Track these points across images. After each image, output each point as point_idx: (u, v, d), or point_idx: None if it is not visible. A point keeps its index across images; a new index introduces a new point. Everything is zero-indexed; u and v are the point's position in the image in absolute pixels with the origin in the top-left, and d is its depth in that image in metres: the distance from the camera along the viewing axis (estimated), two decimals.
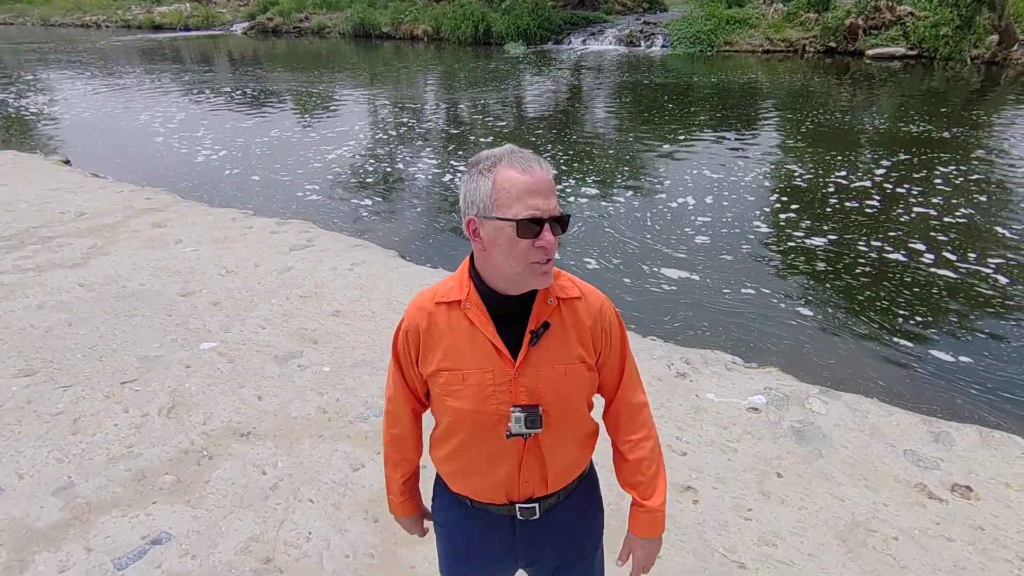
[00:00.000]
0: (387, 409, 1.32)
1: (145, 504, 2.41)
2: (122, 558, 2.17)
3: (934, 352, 3.75)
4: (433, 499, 1.37)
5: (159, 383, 3.18)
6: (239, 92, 13.75)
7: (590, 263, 5.03)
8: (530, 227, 1.02)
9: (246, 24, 29.29)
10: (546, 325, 1.12)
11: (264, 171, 7.82)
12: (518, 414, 1.11)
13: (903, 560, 2.18)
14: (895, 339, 3.90)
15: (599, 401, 1.31)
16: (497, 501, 1.22)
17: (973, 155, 7.62)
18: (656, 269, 4.88)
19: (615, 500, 2.36)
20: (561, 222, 1.06)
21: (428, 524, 1.47)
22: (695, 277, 4.74)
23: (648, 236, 5.53)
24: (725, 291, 4.53)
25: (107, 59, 20.41)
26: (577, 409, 1.19)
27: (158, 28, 32.29)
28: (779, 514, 2.37)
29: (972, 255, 4.95)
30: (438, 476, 1.33)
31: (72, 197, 6.36)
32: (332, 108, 11.95)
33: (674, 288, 4.59)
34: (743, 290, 4.54)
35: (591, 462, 1.35)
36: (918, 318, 4.14)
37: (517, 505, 1.22)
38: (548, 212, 1.03)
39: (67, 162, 8.16)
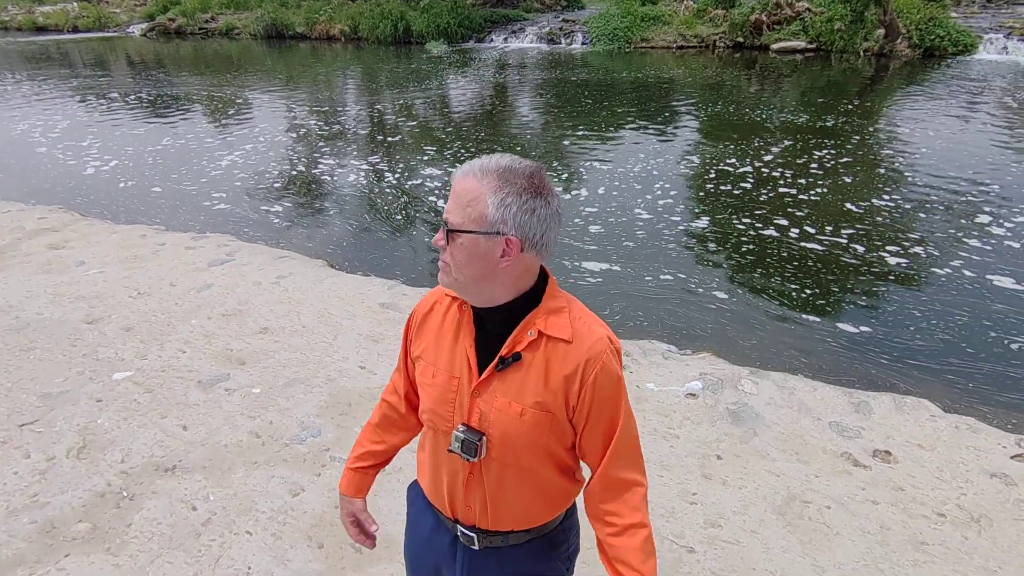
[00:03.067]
0: (392, 381, 1.33)
1: (56, 558, 2.18)
2: None
3: (844, 326, 4.02)
4: (410, 486, 1.36)
5: (65, 422, 2.89)
6: (133, 97, 12.82)
7: None
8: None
9: (145, 25, 27.36)
10: (517, 356, 1.04)
11: (164, 181, 7.31)
12: (458, 433, 1.07)
13: (836, 527, 2.31)
14: (808, 316, 4.15)
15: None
16: (443, 511, 1.19)
17: (872, 139, 8.28)
18: (577, 263, 4.96)
19: None
20: (448, 228, 1.01)
21: (369, 539, 1.34)
22: (616, 268, 4.87)
23: (564, 232, 5.61)
24: (647, 278, 4.69)
25: None
26: (524, 459, 1.08)
27: (41, 30, 29.60)
28: (722, 495, 2.45)
29: (879, 237, 5.36)
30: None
31: None
32: (242, 112, 11.35)
33: (600, 280, 4.69)
34: (662, 276, 4.72)
35: (564, 522, 1.21)
36: (825, 295, 4.43)
37: (459, 527, 1.17)
38: (445, 214, 1.04)
39: None
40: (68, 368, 3.33)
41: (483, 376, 1.06)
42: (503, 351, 1.05)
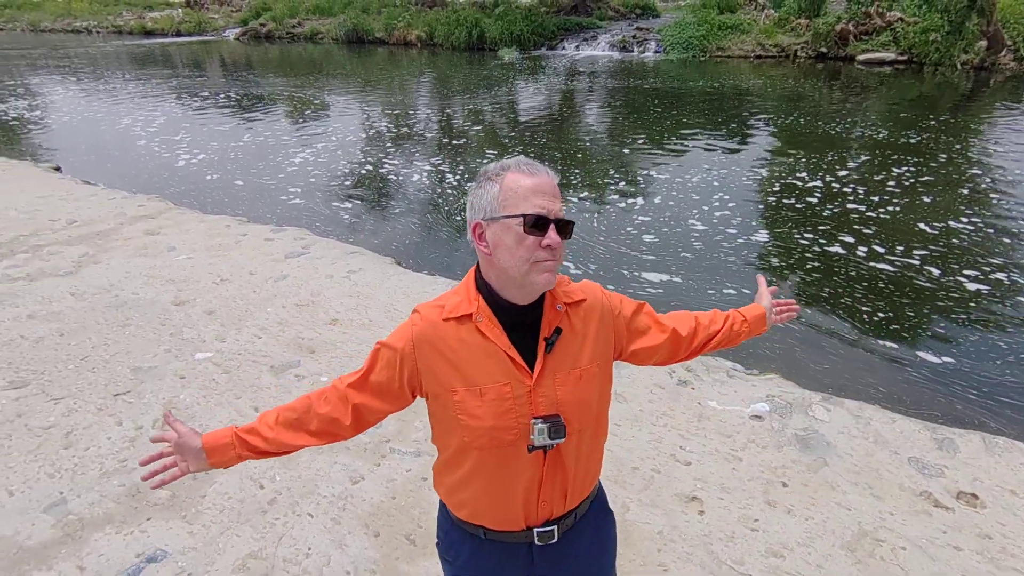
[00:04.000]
0: (330, 384, 1.21)
1: (139, 520, 2.36)
2: None
3: (925, 355, 3.75)
4: (440, 536, 1.31)
5: (153, 395, 3.12)
6: (222, 96, 13.72)
7: (568, 268, 5.01)
8: (537, 224, 1.05)
9: (238, 30, 29.22)
10: (558, 331, 1.12)
11: (245, 175, 7.77)
12: (540, 425, 1.09)
13: (912, 570, 2.15)
14: (884, 342, 3.91)
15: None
16: (513, 528, 1.18)
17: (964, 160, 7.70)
18: (636, 273, 4.88)
19: (619, 512, 2.33)
20: (566, 226, 1.09)
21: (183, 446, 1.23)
22: (677, 279, 4.77)
23: (618, 240, 5.54)
24: (709, 292, 4.56)
25: (97, 65, 20.27)
26: (595, 412, 1.19)
27: (149, 34, 32.14)
28: (786, 524, 2.35)
29: (956, 261, 4.98)
30: (444, 509, 1.27)
31: (63, 204, 6.28)
32: (319, 113, 11.91)
33: (661, 291, 4.60)
34: (725, 290, 4.57)
35: (599, 481, 1.33)
36: (900, 319, 4.16)
37: (535, 530, 1.18)
38: (553, 212, 1.06)
39: (58, 169, 8.06)
40: (157, 345, 3.59)
41: (539, 366, 1.11)
42: (544, 332, 1.12)
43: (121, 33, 33.11)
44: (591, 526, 1.27)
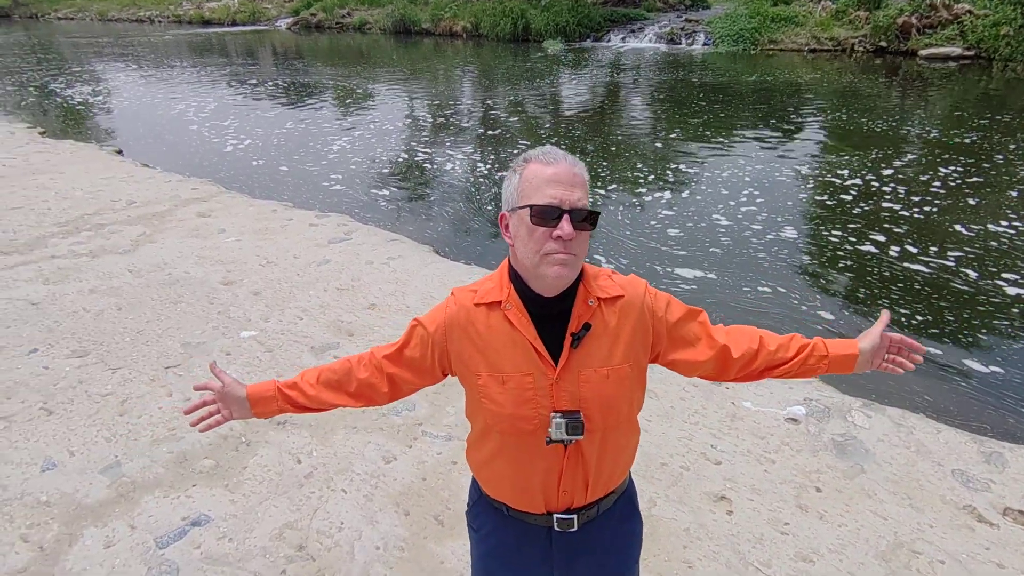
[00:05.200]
0: (368, 351, 1.27)
1: (186, 486, 2.49)
2: (163, 537, 2.25)
3: (978, 366, 3.58)
4: (469, 504, 1.35)
5: (201, 369, 3.28)
6: (270, 84, 14.14)
7: (599, 262, 4.98)
8: (545, 213, 1.02)
9: (290, 19, 29.93)
10: (587, 327, 1.09)
11: (288, 161, 8.02)
12: (558, 419, 1.08)
13: None
14: (930, 348, 3.75)
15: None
16: (534, 510, 1.19)
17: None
18: (669, 269, 4.83)
19: (644, 507, 2.33)
20: (588, 217, 1.05)
21: (226, 394, 1.29)
22: (711, 276, 4.71)
23: (645, 235, 5.48)
24: (744, 289, 4.49)
25: (157, 53, 21.13)
26: (621, 414, 1.15)
27: (207, 23, 33.26)
28: (817, 529, 2.30)
29: (993, 264, 4.72)
30: (474, 480, 1.31)
31: (123, 186, 6.61)
32: (363, 102, 12.13)
33: (694, 287, 4.55)
34: (759, 288, 4.50)
35: (629, 475, 1.31)
36: (940, 324, 4.00)
37: (555, 516, 1.18)
38: (568, 203, 1.03)
39: (119, 152, 8.48)
40: (205, 322, 3.76)
41: (563, 360, 1.09)
42: (572, 327, 1.09)
43: (181, 22, 34.38)
44: (615, 521, 1.25)
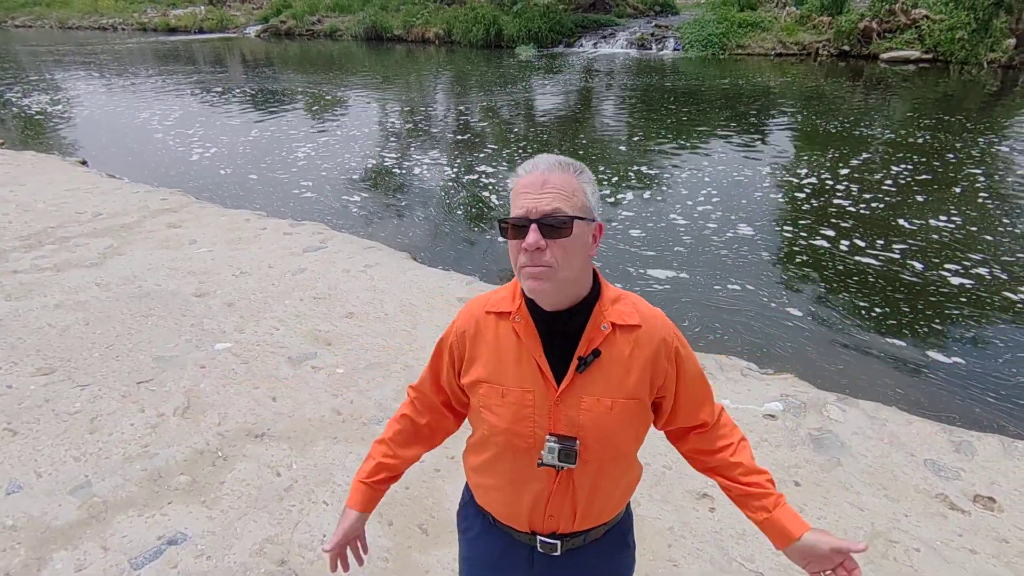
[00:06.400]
0: (410, 397, 1.29)
1: (161, 504, 2.42)
2: (138, 558, 2.18)
3: (942, 357, 3.71)
4: (461, 504, 1.34)
5: (174, 383, 3.20)
6: (237, 91, 13.92)
7: None
8: (516, 226, 0.98)
9: (259, 27, 29.54)
10: (596, 353, 1.04)
11: (257, 169, 7.90)
12: (552, 444, 1.04)
13: (925, 572, 2.14)
14: (894, 340, 3.88)
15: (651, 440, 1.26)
16: (518, 527, 1.16)
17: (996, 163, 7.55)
18: (642, 271, 4.89)
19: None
20: (552, 223, 0.96)
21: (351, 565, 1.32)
22: (683, 275, 4.79)
23: (612, 236, 5.55)
24: (716, 287, 4.59)
25: (120, 61, 20.64)
26: (620, 450, 1.10)
27: (173, 31, 32.63)
28: None
29: (935, 255, 4.91)
30: (467, 484, 1.30)
31: (88, 197, 6.43)
32: (335, 109, 12.02)
33: (668, 287, 4.62)
34: (730, 286, 4.60)
35: (628, 507, 1.26)
36: (904, 317, 4.14)
37: (538, 537, 1.14)
38: (535, 211, 0.97)
39: (84, 163, 8.25)
40: (178, 335, 3.67)
41: (566, 382, 1.04)
42: (580, 351, 1.04)
43: (146, 30, 33.66)
44: (601, 555, 1.19)
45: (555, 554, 1.14)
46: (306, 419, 2.93)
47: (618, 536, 1.22)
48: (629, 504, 1.25)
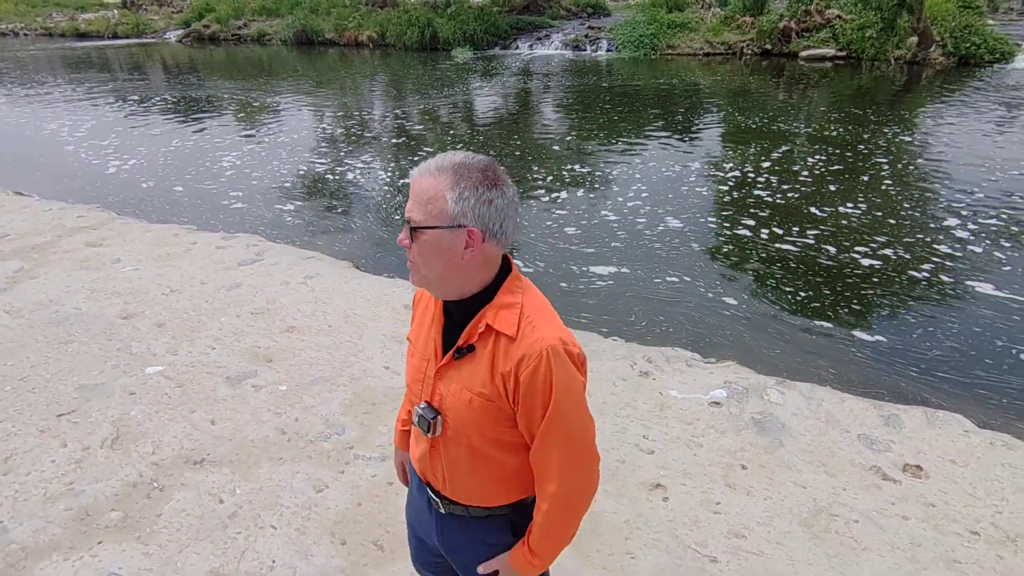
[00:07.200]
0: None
1: (90, 545, 2.25)
2: None
3: (865, 336, 3.94)
4: None
5: (101, 413, 2.98)
6: (158, 100, 13.19)
7: (518, 267, 5.05)
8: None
9: (180, 32, 28.12)
10: (471, 348, 1.12)
11: (182, 180, 7.52)
12: (418, 410, 1.18)
13: (864, 541, 2.26)
14: (822, 323, 4.09)
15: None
16: (420, 475, 1.29)
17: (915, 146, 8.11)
18: (584, 268, 4.96)
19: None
20: (411, 227, 1.06)
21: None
22: (624, 270, 4.89)
23: (548, 235, 5.63)
24: (655, 280, 4.72)
25: (23, 68, 19.16)
26: (474, 442, 1.15)
27: (83, 36, 30.58)
28: (746, 505, 2.42)
29: (845, 239, 5.25)
30: None
31: None
32: (265, 115, 11.58)
33: (611, 283, 4.69)
34: (668, 278, 4.74)
35: (528, 510, 1.24)
36: (835, 302, 4.37)
37: (428, 489, 1.28)
38: (408, 213, 1.07)
39: None
40: (104, 361, 3.43)
41: (442, 362, 1.16)
42: (460, 341, 1.13)
43: (52, 36, 31.38)
44: (480, 532, 1.24)
45: (441, 511, 1.26)
46: (248, 441, 2.80)
47: (502, 526, 1.24)
48: (533, 509, 1.19)
